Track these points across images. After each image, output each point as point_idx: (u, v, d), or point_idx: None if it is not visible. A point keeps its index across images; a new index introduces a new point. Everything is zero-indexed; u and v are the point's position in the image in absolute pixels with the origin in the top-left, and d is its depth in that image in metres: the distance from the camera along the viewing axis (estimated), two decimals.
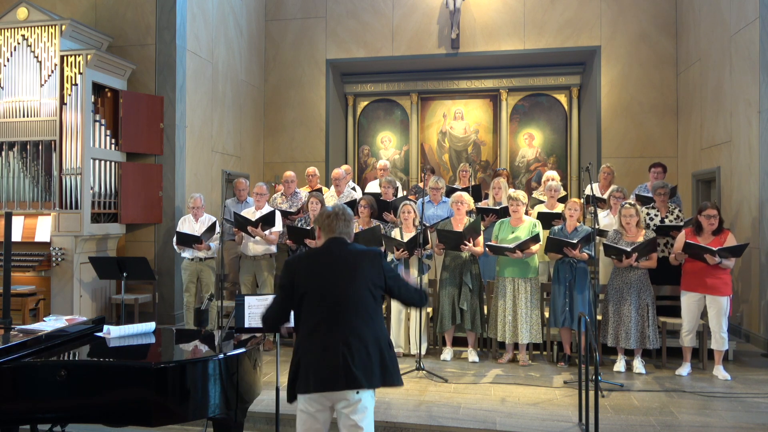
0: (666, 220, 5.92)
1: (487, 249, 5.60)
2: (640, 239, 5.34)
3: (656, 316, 5.46)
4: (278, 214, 6.35)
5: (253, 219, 6.12)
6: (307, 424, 2.69)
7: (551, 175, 7.10)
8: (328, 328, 2.65)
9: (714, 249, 5.04)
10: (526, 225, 5.61)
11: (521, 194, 5.66)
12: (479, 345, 6.04)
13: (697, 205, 5.54)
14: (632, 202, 5.55)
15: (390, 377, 2.72)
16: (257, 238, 6.17)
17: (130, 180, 7.07)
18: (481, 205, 6.73)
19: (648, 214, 6.05)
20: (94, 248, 6.81)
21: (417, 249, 5.49)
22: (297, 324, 2.76)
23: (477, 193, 7.00)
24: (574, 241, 5.30)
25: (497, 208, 6.23)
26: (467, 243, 5.50)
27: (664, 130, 8.77)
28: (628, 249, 5.22)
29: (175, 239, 6.33)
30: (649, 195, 6.49)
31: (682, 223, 5.81)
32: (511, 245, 5.41)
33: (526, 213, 5.98)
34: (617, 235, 5.46)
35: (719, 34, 7.21)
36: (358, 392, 2.62)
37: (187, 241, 6.20)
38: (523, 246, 5.40)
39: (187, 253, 6.37)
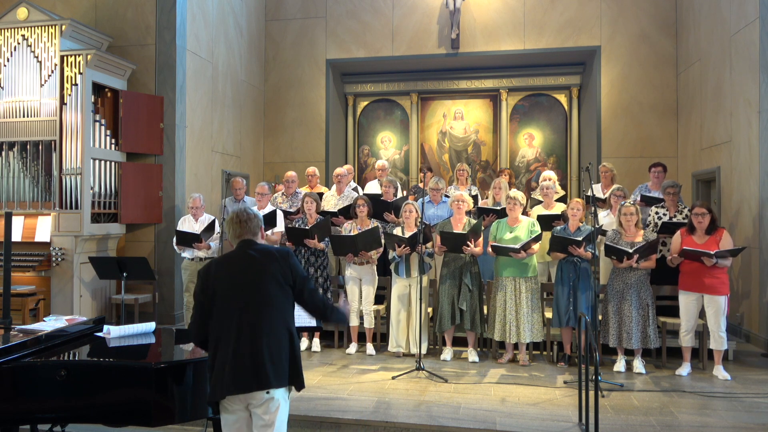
0: (674, 219, 5.91)
1: (489, 250, 5.61)
2: (639, 239, 5.34)
3: (656, 316, 5.46)
4: (280, 214, 6.34)
5: None
6: (232, 426, 2.68)
7: (547, 176, 7.10)
8: (238, 328, 2.63)
9: (711, 252, 5.04)
10: (524, 225, 5.62)
11: (519, 194, 5.66)
12: (479, 345, 6.04)
13: (692, 203, 5.54)
14: (631, 202, 5.55)
15: (296, 377, 2.71)
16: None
17: (130, 180, 7.07)
18: (481, 204, 6.73)
19: (657, 213, 6.06)
20: (94, 248, 6.81)
21: (418, 245, 5.49)
22: (211, 326, 2.71)
23: (476, 201, 6.98)
24: (579, 239, 5.30)
25: (497, 208, 6.22)
26: (469, 244, 5.51)
27: (664, 130, 8.77)
28: (629, 249, 5.22)
29: (175, 239, 6.33)
30: (652, 195, 6.49)
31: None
32: (516, 245, 5.41)
33: (526, 213, 5.99)
34: (616, 235, 5.46)
35: (719, 34, 7.22)
36: (268, 391, 2.61)
37: (187, 240, 6.20)
38: (526, 246, 5.40)
39: (187, 253, 6.38)
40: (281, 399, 2.66)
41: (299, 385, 2.74)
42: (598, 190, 6.72)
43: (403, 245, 5.64)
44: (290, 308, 2.78)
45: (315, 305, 2.86)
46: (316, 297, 2.85)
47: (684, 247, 5.18)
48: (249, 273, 2.72)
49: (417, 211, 5.82)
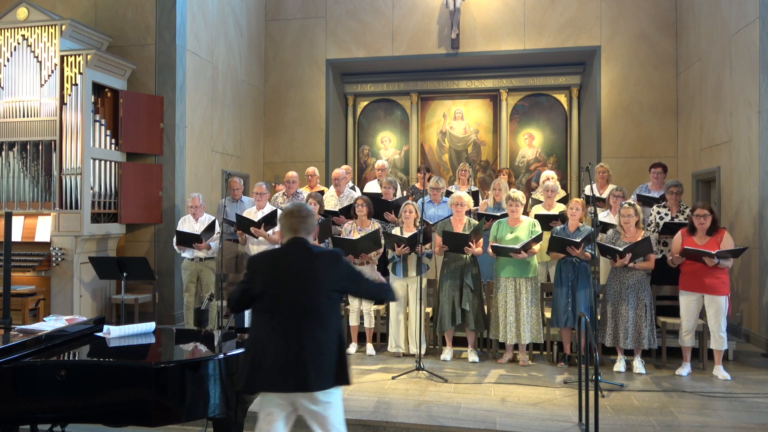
0: (676, 219, 5.91)
1: (490, 250, 5.61)
2: (639, 239, 5.33)
3: (655, 316, 5.46)
4: (280, 214, 6.33)
5: (255, 219, 6.12)
6: (266, 417, 2.76)
7: (548, 175, 7.09)
8: (285, 327, 2.69)
9: (712, 252, 5.04)
10: (525, 225, 5.61)
11: (520, 194, 5.66)
12: (479, 345, 6.04)
13: (693, 204, 5.53)
14: (631, 202, 5.55)
15: (342, 377, 2.75)
16: (260, 238, 6.16)
17: (130, 180, 7.07)
18: (480, 208, 6.72)
19: (659, 212, 6.06)
20: (94, 248, 6.81)
21: (418, 245, 5.49)
22: (253, 319, 2.80)
23: (475, 198, 6.98)
24: (578, 240, 5.30)
25: (498, 214, 6.19)
26: (471, 244, 5.51)
27: (664, 130, 8.77)
28: (619, 249, 5.22)
29: (175, 239, 6.33)
30: (651, 195, 6.49)
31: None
32: (516, 246, 5.41)
33: (526, 213, 5.98)
34: (616, 235, 5.46)
35: (719, 34, 7.21)
36: (316, 393, 2.67)
37: (187, 240, 6.20)
38: (526, 246, 5.40)
39: (187, 253, 6.37)
40: (331, 400, 2.73)
41: (346, 382, 2.77)
42: (594, 190, 6.71)
43: (403, 245, 5.63)
44: (336, 311, 2.82)
45: (373, 292, 2.96)
46: (370, 287, 2.93)
47: (685, 247, 5.18)
48: (301, 273, 2.75)
49: (417, 212, 5.82)
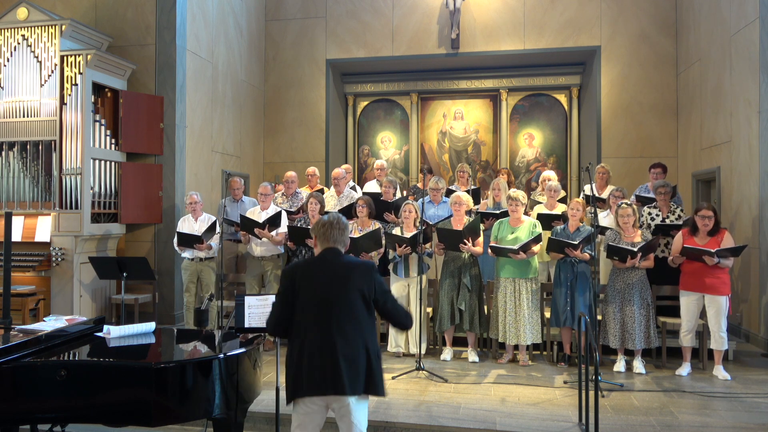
0: (667, 220, 5.91)
1: (489, 250, 5.60)
2: (638, 239, 5.34)
3: (656, 316, 5.46)
4: (284, 215, 6.33)
5: (259, 220, 6.09)
6: (301, 422, 2.82)
7: (548, 176, 7.09)
8: (320, 335, 2.75)
9: (712, 251, 5.04)
10: (526, 225, 5.61)
11: (521, 194, 5.65)
12: (479, 345, 6.04)
13: (697, 205, 5.53)
14: (629, 202, 5.55)
15: (374, 387, 2.81)
16: (263, 239, 6.14)
17: (130, 180, 7.07)
18: (481, 208, 6.72)
19: (650, 213, 6.05)
20: (94, 248, 6.81)
21: (418, 245, 5.49)
22: (293, 328, 2.84)
23: (476, 196, 6.99)
24: (576, 242, 5.30)
25: (498, 212, 6.20)
26: (466, 242, 5.50)
27: (664, 130, 8.77)
28: (633, 249, 5.20)
29: (175, 240, 6.32)
30: (649, 195, 6.49)
31: (682, 223, 5.81)
32: (515, 246, 5.41)
33: (526, 213, 5.98)
34: (615, 236, 5.46)
35: (719, 34, 7.22)
36: (349, 396, 2.73)
37: (188, 241, 6.19)
38: (525, 247, 5.40)
39: (187, 254, 6.37)
40: (359, 405, 2.78)
41: (377, 392, 2.83)
42: (594, 191, 6.71)
43: (404, 245, 5.63)
44: (372, 323, 2.87)
45: (397, 316, 2.97)
46: (398, 308, 2.96)
47: (685, 246, 5.17)
48: (334, 283, 2.81)
49: (416, 211, 5.82)
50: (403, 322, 3.02)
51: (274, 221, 6.08)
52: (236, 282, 7.04)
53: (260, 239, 6.14)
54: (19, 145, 6.68)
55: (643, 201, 6.38)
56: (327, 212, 6.50)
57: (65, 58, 6.58)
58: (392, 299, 2.95)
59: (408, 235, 5.71)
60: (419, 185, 7.65)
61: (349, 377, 2.71)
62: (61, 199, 6.56)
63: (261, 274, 6.36)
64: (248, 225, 6.08)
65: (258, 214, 6.31)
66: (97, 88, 6.90)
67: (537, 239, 5.45)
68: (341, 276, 2.83)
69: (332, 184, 7.23)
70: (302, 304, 2.81)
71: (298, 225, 6.18)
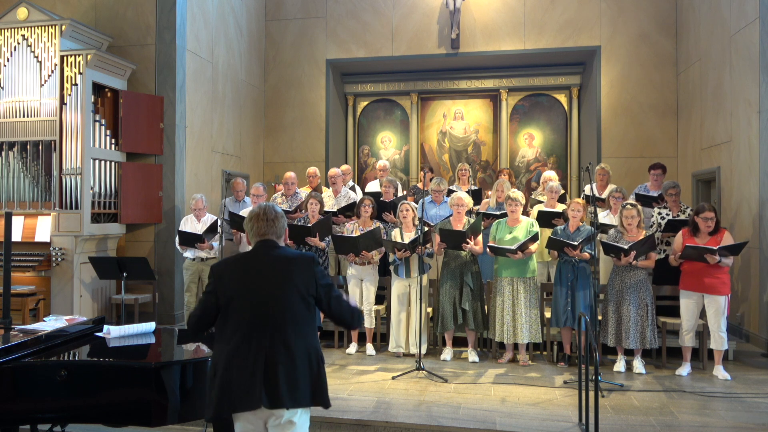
0: (678, 218, 5.91)
1: (488, 250, 5.61)
2: (642, 237, 5.34)
3: (656, 316, 5.46)
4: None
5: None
6: None
7: (549, 176, 7.09)
8: (253, 339, 2.44)
9: (715, 248, 5.04)
10: (524, 225, 5.61)
11: (519, 194, 5.66)
12: (479, 345, 6.04)
13: (697, 206, 5.53)
14: (633, 203, 5.56)
15: (320, 396, 2.51)
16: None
17: (130, 180, 7.07)
18: (482, 208, 6.72)
19: (660, 213, 6.06)
20: (94, 248, 6.81)
21: (418, 247, 5.49)
22: (218, 333, 2.55)
23: (477, 196, 6.99)
24: (575, 243, 5.31)
25: (499, 213, 6.20)
26: (469, 241, 5.50)
27: (664, 130, 8.77)
28: (624, 247, 5.22)
29: (177, 239, 6.33)
30: (649, 195, 6.49)
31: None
32: (512, 246, 5.41)
33: (526, 213, 5.98)
34: (618, 235, 5.47)
35: (719, 34, 7.21)
36: (288, 409, 2.42)
37: (190, 240, 6.20)
38: (523, 246, 5.40)
39: (189, 253, 6.38)
40: (299, 420, 2.47)
41: (324, 404, 2.53)
42: (594, 191, 6.72)
43: (404, 249, 5.63)
44: (312, 322, 2.56)
45: (341, 314, 2.64)
46: (342, 305, 2.63)
47: (687, 245, 5.18)
48: (269, 281, 2.51)
49: (414, 211, 5.82)
50: (348, 320, 2.66)
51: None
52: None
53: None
54: (19, 145, 6.68)
55: (643, 201, 6.38)
56: (327, 212, 6.53)
57: (65, 58, 6.58)
58: (336, 295, 2.61)
59: (407, 236, 5.72)
60: (419, 185, 7.65)
61: (288, 388, 2.39)
62: (61, 199, 6.56)
63: None
64: (239, 223, 6.12)
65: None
66: (97, 88, 6.90)
67: (534, 238, 5.46)
68: (277, 272, 2.51)
69: (330, 184, 7.23)
70: (231, 306, 2.49)
71: (298, 224, 6.19)
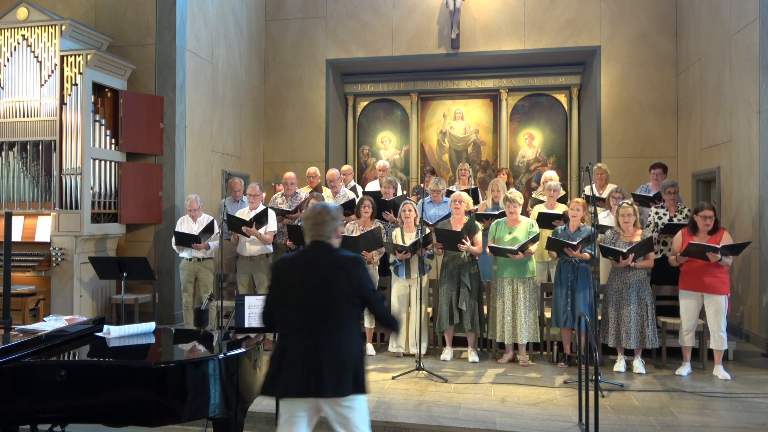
0: (675, 219, 5.92)
1: (488, 251, 5.61)
2: (637, 239, 5.34)
3: (656, 316, 5.46)
4: (272, 213, 6.34)
5: (246, 218, 6.12)
6: (286, 421, 2.76)
7: (550, 176, 7.10)
8: (304, 334, 2.71)
9: (717, 246, 5.04)
10: (523, 225, 5.62)
11: (518, 195, 5.67)
12: (479, 345, 6.04)
13: (696, 205, 5.53)
14: (630, 202, 5.56)
15: (359, 387, 2.73)
16: (252, 237, 6.16)
17: (130, 180, 7.07)
18: (480, 208, 6.72)
19: (657, 213, 6.06)
20: (94, 248, 6.81)
21: (419, 248, 5.49)
22: (279, 325, 2.83)
23: (475, 196, 6.99)
24: (575, 243, 5.31)
25: (497, 213, 6.21)
26: (465, 242, 5.50)
27: (664, 130, 8.77)
28: (625, 250, 5.22)
29: (173, 240, 6.33)
30: (648, 195, 6.49)
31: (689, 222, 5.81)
32: (513, 246, 5.41)
33: (526, 213, 5.98)
34: (615, 235, 5.47)
35: (719, 34, 7.21)
36: (342, 398, 2.68)
37: (186, 240, 6.20)
38: (523, 247, 5.41)
39: (185, 253, 6.37)
40: (353, 405, 2.72)
41: (362, 391, 2.76)
42: (594, 191, 6.72)
43: (404, 251, 5.63)
44: (357, 318, 2.81)
45: (383, 317, 2.90)
46: (383, 309, 2.89)
47: (690, 242, 5.17)
48: (320, 278, 2.76)
49: (416, 211, 5.82)
50: (390, 322, 2.93)
51: (260, 219, 6.10)
52: (236, 282, 7.03)
53: (248, 237, 6.16)
54: (19, 145, 6.68)
55: (641, 201, 6.39)
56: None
57: (65, 58, 6.58)
58: (377, 300, 2.85)
59: (408, 237, 5.71)
60: (422, 185, 7.65)
61: (332, 379, 2.64)
62: (61, 199, 6.56)
63: (252, 274, 6.38)
64: (235, 224, 6.11)
65: (247, 213, 6.34)
66: (97, 88, 6.90)
67: (534, 239, 5.46)
68: (328, 273, 2.77)
69: (329, 186, 7.24)
70: (287, 302, 2.77)
71: (299, 224, 6.20)
